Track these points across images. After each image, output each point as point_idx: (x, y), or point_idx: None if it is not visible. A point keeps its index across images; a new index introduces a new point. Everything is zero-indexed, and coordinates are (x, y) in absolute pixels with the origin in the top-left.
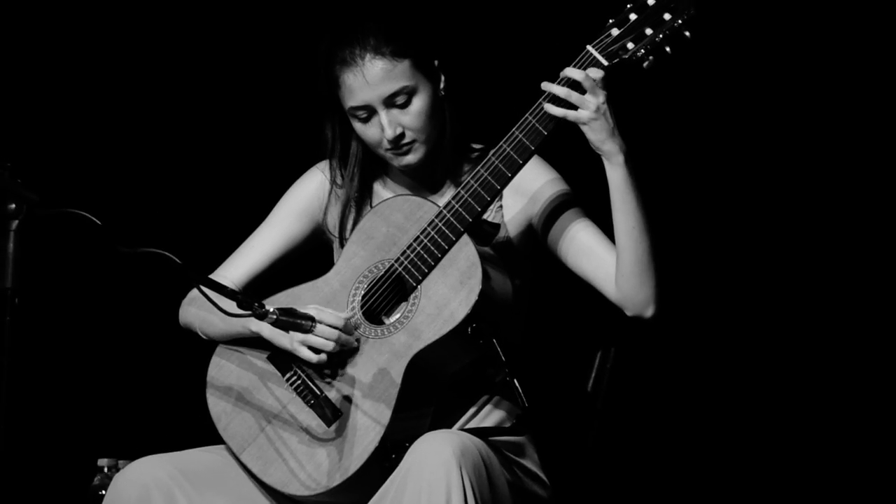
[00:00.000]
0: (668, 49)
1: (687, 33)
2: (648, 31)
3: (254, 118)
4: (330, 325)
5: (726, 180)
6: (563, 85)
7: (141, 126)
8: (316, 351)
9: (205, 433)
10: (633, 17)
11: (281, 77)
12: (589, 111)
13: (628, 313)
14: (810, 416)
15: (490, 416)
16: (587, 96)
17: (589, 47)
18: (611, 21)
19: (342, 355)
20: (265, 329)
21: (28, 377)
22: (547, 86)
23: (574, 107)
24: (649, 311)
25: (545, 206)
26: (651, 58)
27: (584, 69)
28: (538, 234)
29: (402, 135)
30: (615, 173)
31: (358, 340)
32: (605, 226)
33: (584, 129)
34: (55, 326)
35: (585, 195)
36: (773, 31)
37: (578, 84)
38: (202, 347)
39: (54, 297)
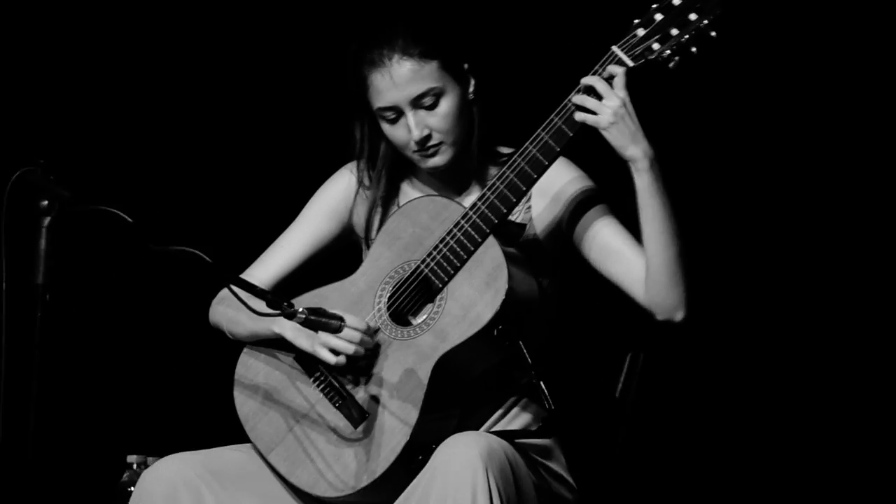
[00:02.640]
0: (693, 49)
1: (713, 33)
2: (674, 32)
3: (285, 119)
4: (353, 327)
5: (749, 182)
6: (582, 90)
7: (174, 125)
8: (336, 353)
9: (232, 432)
10: (658, 17)
11: (311, 77)
12: (606, 115)
13: (658, 318)
14: (838, 416)
15: (517, 419)
16: (604, 101)
17: (614, 48)
18: (636, 21)
19: (369, 356)
20: (288, 331)
21: (58, 373)
22: (577, 97)
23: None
24: (679, 315)
25: (570, 204)
26: (677, 58)
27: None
28: (565, 235)
29: (430, 136)
30: (641, 179)
31: (381, 341)
32: (633, 226)
33: (604, 133)
34: (86, 324)
35: (616, 195)
36: (789, 33)
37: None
38: (231, 346)
39: (85, 295)
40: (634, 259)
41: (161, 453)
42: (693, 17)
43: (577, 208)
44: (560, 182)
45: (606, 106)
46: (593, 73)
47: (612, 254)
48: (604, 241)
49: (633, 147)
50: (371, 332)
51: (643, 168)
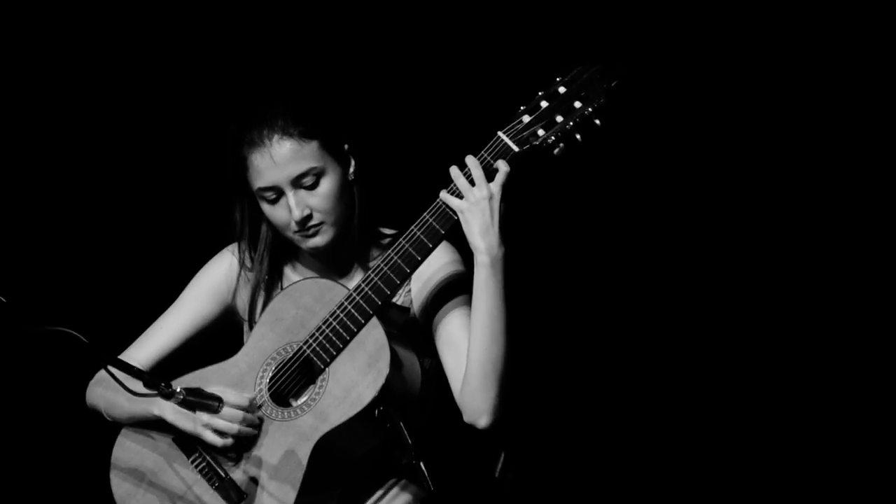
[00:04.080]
0: (578, 136)
1: (597, 121)
2: (559, 119)
3: (164, 197)
4: (235, 407)
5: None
6: (464, 171)
7: (49, 201)
8: (221, 434)
9: None
10: (544, 104)
11: (191, 155)
12: (467, 202)
13: (464, 418)
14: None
15: (396, 500)
16: (472, 188)
17: (500, 133)
18: (522, 108)
19: (248, 437)
20: (168, 412)
21: None
22: (453, 168)
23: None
24: (482, 422)
25: (435, 289)
26: (562, 145)
27: (494, 155)
28: (430, 318)
29: (310, 216)
30: (478, 272)
31: (262, 422)
32: None
33: (460, 217)
34: None
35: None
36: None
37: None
38: (108, 427)
39: None
40: (465, 357)
41: None
42: (578, 104)
43: (441, 294)
44: (435, 265)
45: (472, 192)
46: (479, 157)
47: (450, 344)
48: (448, 330)
49: (479, 238)
50: (254, 409)
51: (482, 263)
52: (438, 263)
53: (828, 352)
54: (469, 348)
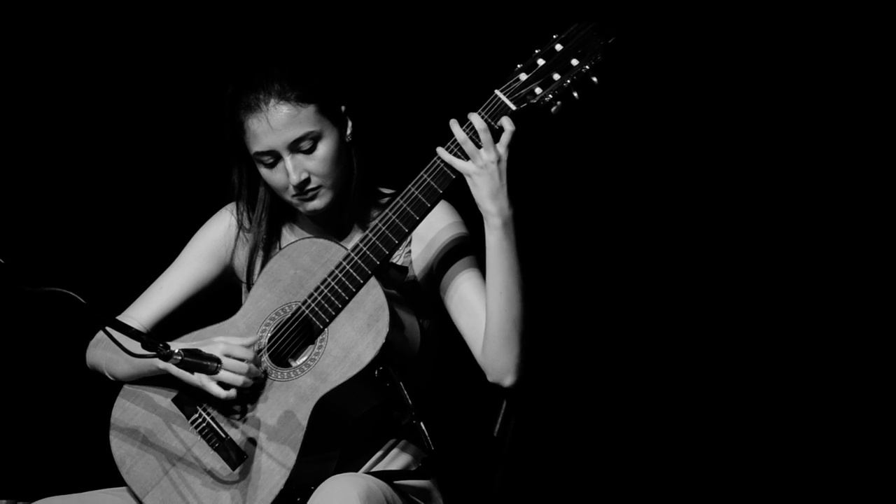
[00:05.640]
0: (575, 94)
1: (594, 79)
2: (556, 77)
3: (164, 156)
4: (239, 359)
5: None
6: (467, 131)
7: (48, 162)
8: (226, 386)
9: (107, 475)
10: (540, 62)
11: (188, 115)
12: (476, 165)
13: (489, 378)
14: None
15: (396, 460)
16: (480, 150)
17: (497, 91)
18: (519, 66)
19: (248, 397)
20: (173, 367)
21: None
22: (453, 125)
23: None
24: (508, 380)
25: (441, 251)
26: (559, 103)
27: (492, 114)
28: (435, 281)
29: (308, 180)
30: (492, 235)
31: (266, 375)
32: None
33: (468, 181)
34: None
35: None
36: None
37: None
38: (107, 388)
39: None
40: (482, 316)
41: (33, 497)
42: (575, 62)
43: (447, 256)
44: (437, 227)
45: (480, 156)
46: (481, 117)
47: (465, 307)
48: (461, 294)
49: (490, 202)
50: (259, 362)
51: (495, 225)
52: (440, 225)
53: (835, 352)
54: (488, 310)
